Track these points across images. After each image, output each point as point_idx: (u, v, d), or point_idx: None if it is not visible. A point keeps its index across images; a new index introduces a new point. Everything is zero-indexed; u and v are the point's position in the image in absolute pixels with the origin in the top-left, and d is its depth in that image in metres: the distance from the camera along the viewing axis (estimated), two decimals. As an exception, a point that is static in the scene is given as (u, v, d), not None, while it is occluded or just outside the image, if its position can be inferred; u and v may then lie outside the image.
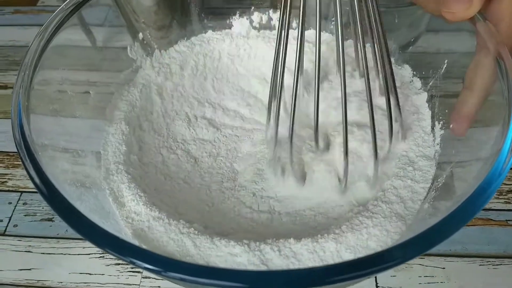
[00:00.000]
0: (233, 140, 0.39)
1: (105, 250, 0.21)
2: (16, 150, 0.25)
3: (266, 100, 0.35)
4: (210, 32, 0.45)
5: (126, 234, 0.29)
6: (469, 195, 0.21)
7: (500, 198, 0.40)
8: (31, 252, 0.37)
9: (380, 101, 0.35)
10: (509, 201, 0.39)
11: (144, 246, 0.28)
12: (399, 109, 0.32)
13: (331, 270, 0.19)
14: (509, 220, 0.38)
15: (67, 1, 0.33)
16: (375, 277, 0.35)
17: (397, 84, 0.38)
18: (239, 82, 0.43)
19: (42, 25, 0.32)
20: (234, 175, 0.36)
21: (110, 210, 0.29)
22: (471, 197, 0.20)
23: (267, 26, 0.46)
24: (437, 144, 0.33)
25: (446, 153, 0.32)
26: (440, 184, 0.30)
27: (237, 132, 0.40)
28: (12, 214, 0.39)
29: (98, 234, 0.21)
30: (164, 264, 0.20)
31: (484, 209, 0.38)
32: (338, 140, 0.34)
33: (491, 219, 0.38)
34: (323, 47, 0.33)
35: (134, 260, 0.20)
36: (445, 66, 0.35)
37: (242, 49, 0.44)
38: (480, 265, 0.35)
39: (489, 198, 0.21)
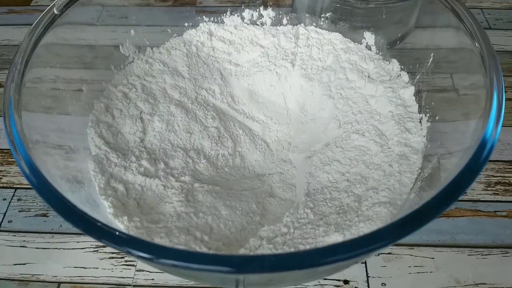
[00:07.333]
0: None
1: (102, 241, 0.21)
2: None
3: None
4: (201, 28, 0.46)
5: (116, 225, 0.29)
6: (451, 180, 0.21)
7: (489, 190, 0.40)
8: (26, 247, 0.37)
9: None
10: (497, 192, 0.40)
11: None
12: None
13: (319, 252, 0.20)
14: (497, 211, 0.39)
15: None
16: (366, 268, 0.36)
17: (386, 78, 0.39)
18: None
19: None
20: None
21: (100, 202, 0.30)
22: (452, 182, 0.21)
23: (258, 23, 0.46)
24: (424, 136, 0.34)
25: (432, 145, 0.33)
26: (426, 175, 0.30)
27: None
28: (6, 210, 0.40)
29: (93, 226, 0.22)
30: (156, 251, 0.20)
31: (472, 201, 0.39)
32: None
33: (480, 210, 0.39)
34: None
35: (130, 250, 0.20)
36: (431, 60, 0.35)
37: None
38: (469, 255, 0.36)
39: (471, 183, 0.21)
